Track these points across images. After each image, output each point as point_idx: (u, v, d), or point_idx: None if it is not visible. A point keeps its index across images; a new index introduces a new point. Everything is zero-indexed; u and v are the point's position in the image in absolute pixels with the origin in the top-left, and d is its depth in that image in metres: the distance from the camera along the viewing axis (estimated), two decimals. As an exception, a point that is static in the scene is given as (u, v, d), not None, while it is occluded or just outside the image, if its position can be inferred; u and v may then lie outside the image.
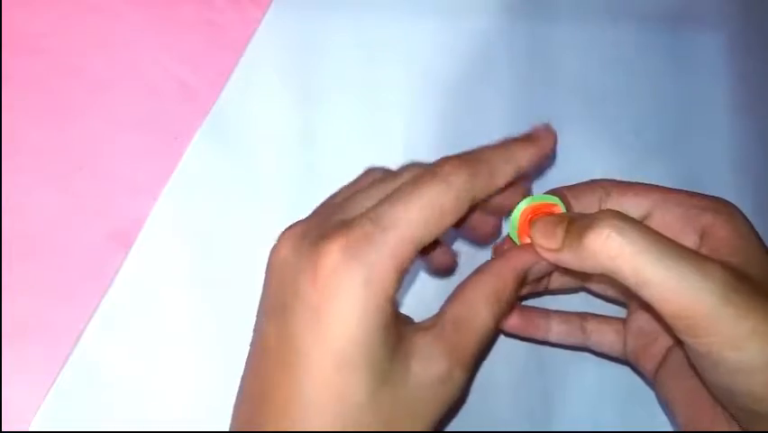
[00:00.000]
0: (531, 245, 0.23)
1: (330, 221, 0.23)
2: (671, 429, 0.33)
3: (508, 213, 0.26)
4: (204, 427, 0.33)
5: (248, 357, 0.24)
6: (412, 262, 0.21)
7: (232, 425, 0.24)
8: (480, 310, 0.22)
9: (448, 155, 0.24)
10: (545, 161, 0.25)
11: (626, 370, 0.33)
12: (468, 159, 0.23)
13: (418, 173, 0.23)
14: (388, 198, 0.22)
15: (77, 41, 0.36)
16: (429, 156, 0.34)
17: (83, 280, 0.34)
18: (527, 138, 0.24)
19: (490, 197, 0.23)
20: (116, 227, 0.34)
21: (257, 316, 0.25)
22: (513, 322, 0.28)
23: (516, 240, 0.25)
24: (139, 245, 0.34)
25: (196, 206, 0.35)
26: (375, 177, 0.25)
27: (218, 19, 0.36)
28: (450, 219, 0.22)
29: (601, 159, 0.36)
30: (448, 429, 0.33)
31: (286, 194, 0.34)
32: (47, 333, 0.33)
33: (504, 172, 0.23)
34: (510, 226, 0.25)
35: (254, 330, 0.25)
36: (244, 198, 0.34)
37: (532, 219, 0.24)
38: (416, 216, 0.21)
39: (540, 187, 0.32)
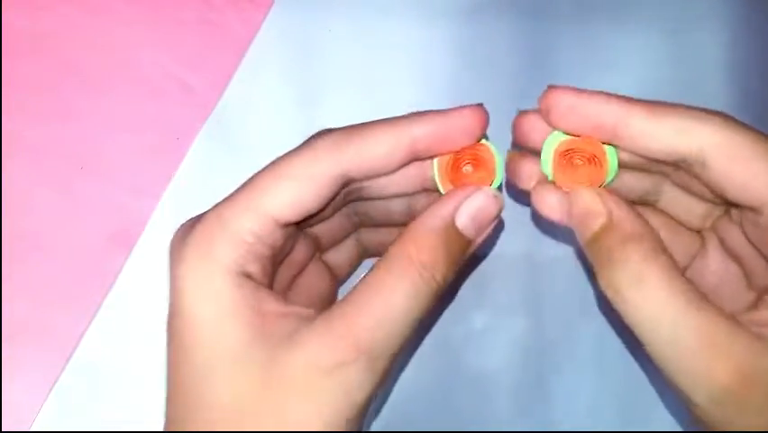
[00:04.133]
0: (461, 191, 0.20)
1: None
2: (671, 429, 0.33)
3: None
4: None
5: None
6: (274, 234, 0.19)
7: None
8: (384, 285, 0.18)
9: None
10: (445, 145, 0.20)
11: (626, 370, 0.34)
12: (348, 130, 0.20)
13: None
14: (259, 175, 0.20)
15: (77, 41, 0.36)
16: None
17: (84, 280, 0.34)
18: (439, 114, 0.20)
19: (380, 174, 0.20)
20: (117, 228, 0.34)
21: None
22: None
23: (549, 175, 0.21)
24: (140, 246, 0.34)
25: (198, 206, 0.34)
26: None
27: (220, 20, 0.36)
28: (317, 190, 0.19)
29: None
30: (448, 429, 0.33)
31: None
32: (48, 333, 0.33)
33: (387, 147, 0.19)
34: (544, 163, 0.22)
35: None
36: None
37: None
38: (259, 187, 0.19)
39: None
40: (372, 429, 0.32)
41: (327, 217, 0.23)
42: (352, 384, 0.18)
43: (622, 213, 0.19)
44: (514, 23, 0.37)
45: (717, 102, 0.37)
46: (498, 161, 0.22)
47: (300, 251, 0.23)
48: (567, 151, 0.21)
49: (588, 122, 0.20)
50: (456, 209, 0.19)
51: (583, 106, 0.20)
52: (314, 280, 0.23)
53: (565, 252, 0.33)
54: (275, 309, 0.19)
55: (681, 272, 0.18)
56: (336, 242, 0.25)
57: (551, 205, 0.21)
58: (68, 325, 0.33)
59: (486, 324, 0.34)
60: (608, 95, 0.21)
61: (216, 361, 0.18)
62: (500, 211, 0.20)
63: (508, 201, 0.30)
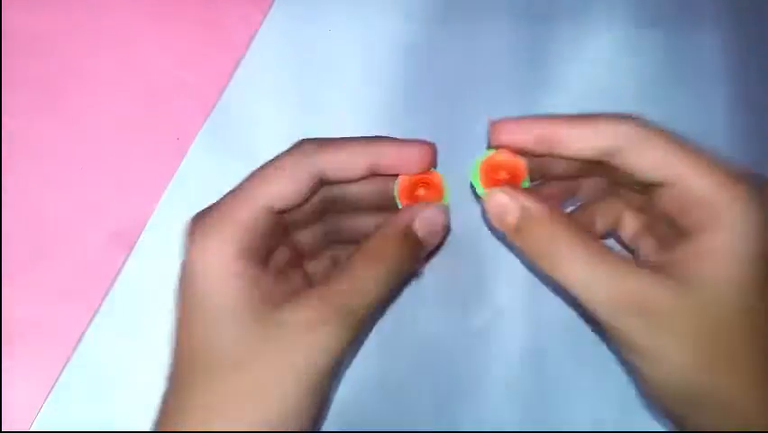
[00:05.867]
0: (415, 207, 0.25)
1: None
2: (671, 429, 0.33)
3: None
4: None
5: None
6: (267, 220, 0.24)
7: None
8: (357, 266, 0.24)
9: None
10: (399, 168, 0.26)
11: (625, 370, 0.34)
12: (322, 140, 0.25)
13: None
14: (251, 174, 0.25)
15: (77, 41, 0.36)
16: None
17: (84, 280, 0.34)
18: (400, 143, 0.25)
19: (349, 179, 0.25)
20: (118, 228, 0.34)
21: None
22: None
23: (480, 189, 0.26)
24: (141, 246, 0.34)
25: (198, 206, 0.34)
26: None
27: (220, 20, 0.36)
28: (297, 184, 0.24)
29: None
30: (449, 429, 0.33)
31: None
32: (48, 333, 0.33)
33: (346, 155, 0.24)
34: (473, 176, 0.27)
35: None
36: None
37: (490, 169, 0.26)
38: (259, 181, 0.24)
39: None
40: (372, 428, 0.32)
41: (309, 222, 0.28)
42: (331, 338, 0.22)
43: (531, 201, 0.24)
44: (514, 23, 0.37)
45: (717, 102, 0.38)
46: (445, 186, 0.27)
47: (285, 254, 0.27)
48: (490, 164, 0.26)
49: (528, 137, 0.25)
50: (412, 218, 0.25)
51: (522, 126, 0.25)
52: (296, 281, 0.27)
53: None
54: (271, 279, 0.24)
55: (593, 237, 0.24)
56: (314, 255, 0.29)
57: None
58: (67, 324, 0.33)
59: (486, 324, 0.34)
60: (540, 117, 0.25)
61: (221, 314, 0.23)
62: (447, 222, 0.26)
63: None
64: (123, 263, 0.34)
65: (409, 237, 0.25)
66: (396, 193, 0.26)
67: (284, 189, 0.24)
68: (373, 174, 0.25)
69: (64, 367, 0.33)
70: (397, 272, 0.24)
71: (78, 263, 0.34)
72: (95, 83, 0.36)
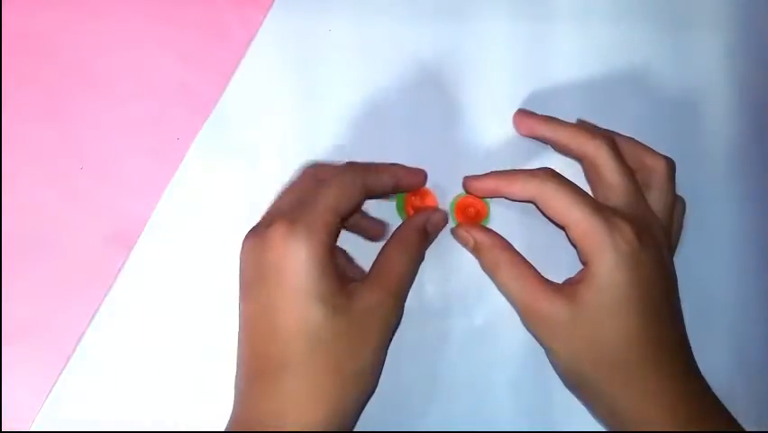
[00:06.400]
0: (426, 211, 0.34)
1: (271, 215, 0.31)
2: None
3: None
4: (204, 426, 0.33)
5: (238, 337, 0.30)
6: (337, 224, 0.30)
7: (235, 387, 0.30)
8: (395, 256, 0.31)
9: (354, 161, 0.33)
10: (410, 187, 0.34)
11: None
12: (365, 164, 0.33)
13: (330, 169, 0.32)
14: (313, 188, 0.31)
15: (77, 41, 0.36)
16: (430, 156, 0.35)
17: (84, 280, 0.34)
18: (408, 169, 0.34)
19: (382, 191, 0.33)
20: (117, 228, 0.34)
21: (238, 303, 0.30)
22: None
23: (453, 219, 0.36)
24: (140, 246, 0.34)
25: (197, 206, 0.35)
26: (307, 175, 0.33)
27: (220, 20, 0.36)
28: (355, 196, 0.31)
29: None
30: (451, 429, 0.33)
31: (287, 194, 0.35)
32: (48, 333, 0.33)
33: (386, 177, 0.33)
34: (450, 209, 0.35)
35: (239, 315, 0.30)
36: (246, 198, 0.34)
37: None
38: (332, 193, 0.30)
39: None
40: (372, 428, 0.32)
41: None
42: (389, 314, 0.30)
43: (481, 236, 0.33)
44: (513, 23, 0.37)
45: (716, 102, 0.38)
46: (437, 198, 0.35)
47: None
48: (464, 203, 0.35)
49: (485, 191, 0.34)
50: (427, 218, 0.34)
51: (480, 183, 0.34)
52: (342, 267, 0.34)
53: (565, 252, 0.33)
54: (342, 274, 0.31)
55: (524, 261, 0.32)
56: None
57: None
58: (67, 324, 0.33)
59: (486, 322, 0.34)
60: (491, 175, 0.33)
61: (312, 301, 0.28)
62: (446, 222, 0.35)
63: (511, 211, 0.35)
64: (123, 263, 0.34)
65: (423, 232, 0.33)
66: (399, 205, 0.35)
67: (350, 200, 0.30)
68: (394, 190, 0.34)
69: (64, 367, 0.33)
70: (419, 260, 0.33)
71: (78, 263, 0.34)
72: (94, 83, 0.36)
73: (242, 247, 0.30)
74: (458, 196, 0.35)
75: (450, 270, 0.35)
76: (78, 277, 0.34)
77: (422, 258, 0.33)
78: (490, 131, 0.36)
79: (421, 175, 0.34)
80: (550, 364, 0.32)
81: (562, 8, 0.38)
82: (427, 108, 0.36)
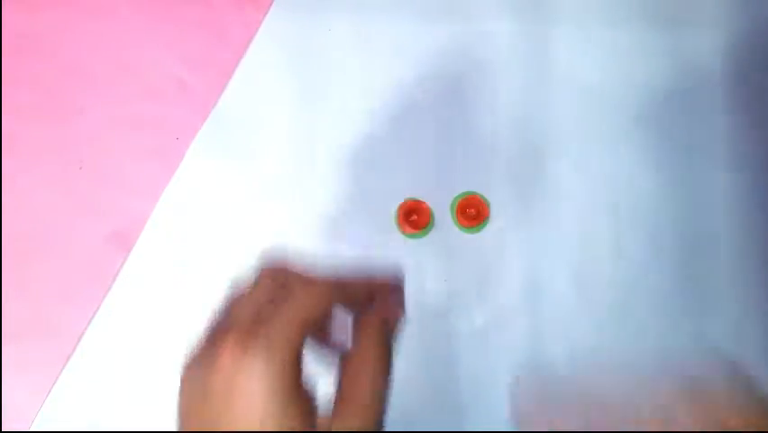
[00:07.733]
0: (380, 311, 0.28)
1: (220, 329, 0.25)
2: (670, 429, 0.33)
3: None
4: (204, 427, 0.33)
5: None
6: (302, 343, 0.24)
7: None
8: (364, 381, 0.26)
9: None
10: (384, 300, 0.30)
11: (625, 370, 0.33)
12: (337, 275, 0.27)
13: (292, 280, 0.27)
14: (275, 297, 0.25)
15: (77, 41, 0.36)
16: (429, 156, 0.35)
17: (84, 280, 0.34)
18: (384, 284, 0.29)
19: (352, 306, 0.28)
20: (117, 228, 0.34)
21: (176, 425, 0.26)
22: None
23: None
24: (140, 246, 0.34)
25: (197, 206, 0.35)
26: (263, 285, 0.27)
27: (219, 20, 0.36)
28: (326, 310, 0.25)
29: (600, 158, 0.36)
30: (450, 429, 0.33)
31: (286, 194, 0.34)
32: (48, 333, 0.33)
33: (360, 292, 0.27)
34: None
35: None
36: (245, 198, 0.34)
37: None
38: (298, 305, 0.25)
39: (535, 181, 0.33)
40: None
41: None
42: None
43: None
44: (513, 23, 0.37)
45: (717, 101, 0.37)
46: (432, 213, 0.35)
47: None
48: (464, 204, 0.34)
49: None
50: (382, 322, 0.28)
51: None
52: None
53: (565, 252, 0.33)
54: (310, 397, 0.25)
55: None
56: None
57: None
58: (67, 324, 0.33)
59: (486, 322, 0.34)
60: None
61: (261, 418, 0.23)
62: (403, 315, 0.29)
63: (511, 211, 0.34)
64: (123, 263, 0.34)
65: (387, 336, 0.28)
66: (395, 218, 0.34)
67: (320, 314, 0.25)
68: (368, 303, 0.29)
69: (64, 367, 0.33)
70: (390, 369, 0.27)
71: (77, 263, 0.34)
72: (94, 83, 0.36)
73: (182, 373, 0.25)
74: (458, 196, 0.35)
75: (450, 270, 0.35)
76: (78, 277, 0.34)
77: (391, 364, 0.28)
78: (490, 131, 0.36)
79: (399, 294, 0.30)
80: (550, 364, 0.32)
81: (562, 9, 0.38)
82: (427, 108, 0.36)
